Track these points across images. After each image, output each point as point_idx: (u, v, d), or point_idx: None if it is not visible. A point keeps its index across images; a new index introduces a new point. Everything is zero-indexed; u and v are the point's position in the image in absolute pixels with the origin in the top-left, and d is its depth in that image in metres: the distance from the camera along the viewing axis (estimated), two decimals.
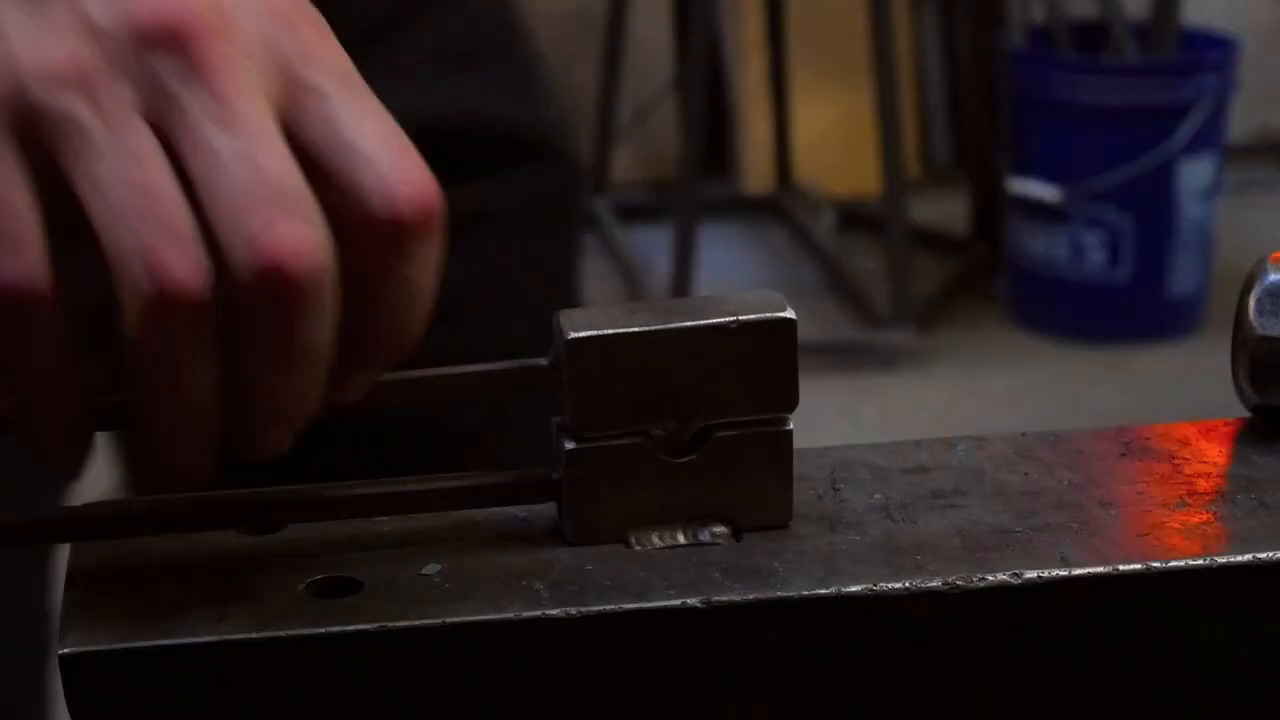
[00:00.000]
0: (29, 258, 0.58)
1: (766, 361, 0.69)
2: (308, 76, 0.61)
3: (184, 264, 0.57)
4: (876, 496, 0.74)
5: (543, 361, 0.70)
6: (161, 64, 0.59)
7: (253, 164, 0.58)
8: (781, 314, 0.69)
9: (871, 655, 0.67)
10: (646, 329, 0.68)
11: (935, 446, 0.78)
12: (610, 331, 0.68)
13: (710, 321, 0.69)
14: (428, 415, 1.06)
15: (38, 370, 0.59)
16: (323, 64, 0.61)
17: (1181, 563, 0.68)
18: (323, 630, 0.63)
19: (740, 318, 0.69)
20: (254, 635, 0.63)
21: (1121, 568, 0.67)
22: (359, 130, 0.60)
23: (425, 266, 0.61)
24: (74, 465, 0.62)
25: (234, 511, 0.69)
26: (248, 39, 0.60)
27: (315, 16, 0.63)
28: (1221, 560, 0.68)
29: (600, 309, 0.71)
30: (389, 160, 0.60)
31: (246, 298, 0.58)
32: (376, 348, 0.62)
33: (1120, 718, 0.69)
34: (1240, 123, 4.28)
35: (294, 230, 0.57)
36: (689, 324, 0.69)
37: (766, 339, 0.69)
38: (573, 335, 0.68)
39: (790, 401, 0.70)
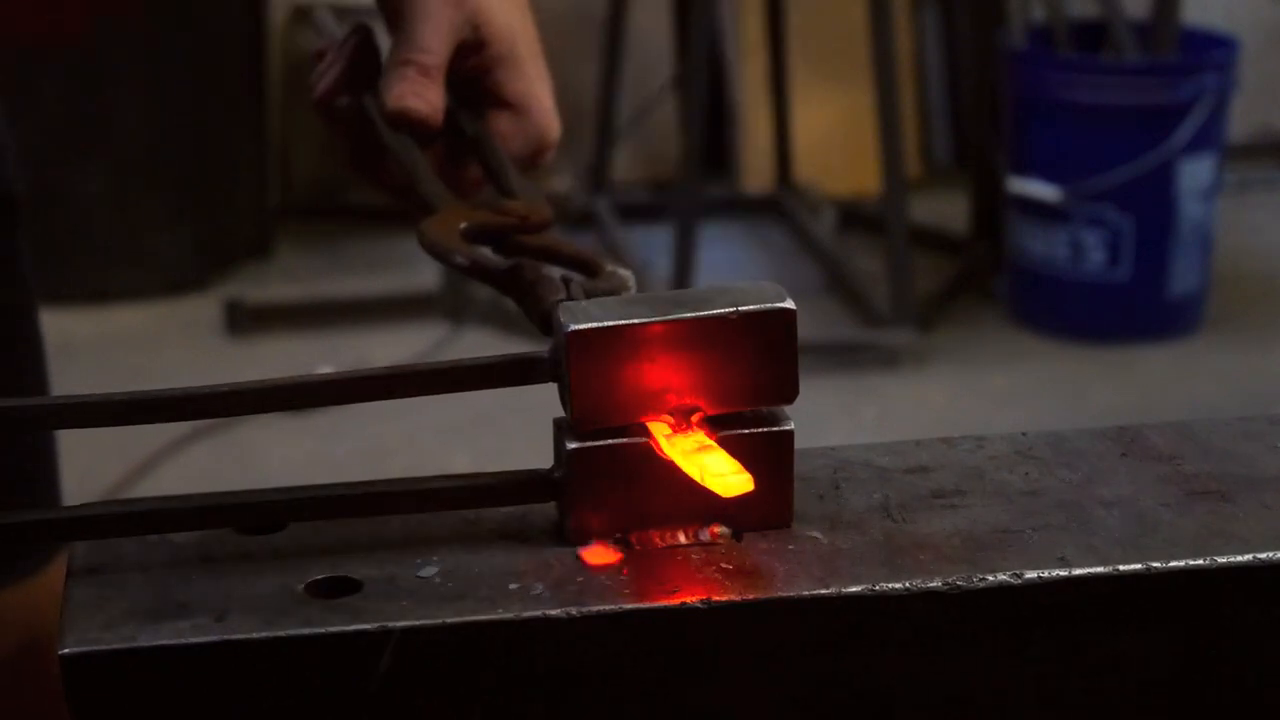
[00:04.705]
0: None
1: (767, 352, 0.69)
2: None
3: None
4: (877, 496, 0.74)
5: (543, 353, 0.70)
6: None
7: None
8: (781, 304, 0.69)
9: (871, 655, 0.67)
10: (647, 320, 0.68)
11: (935, 446, 0.78)
12: (611, 324, 0.68)
13: (711, 313, 0.69)
14: None
15: None
16: None
17: (1181, 563, 0.68)
18: (323, 630, 0.63)
19: (740, 308, 0.69)
20: (254, 635, 0.63)
21: (1121, 568, 0.67)
22: None
23: None
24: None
25: (234, 511, 0.69)
26: None
27: None
28: (1221, 560, 0.68)
29: (598, 302, 0.71)
30: None
31: None
32: None
33: (1120, 717, 0.69)
34: (1240, 123, 4.28)
35: None
36: (690, 315, 0.69)
37: (767, 329, 0.69)
38: (574, 328, 0.68)
39: (791, 392, 0.70)
